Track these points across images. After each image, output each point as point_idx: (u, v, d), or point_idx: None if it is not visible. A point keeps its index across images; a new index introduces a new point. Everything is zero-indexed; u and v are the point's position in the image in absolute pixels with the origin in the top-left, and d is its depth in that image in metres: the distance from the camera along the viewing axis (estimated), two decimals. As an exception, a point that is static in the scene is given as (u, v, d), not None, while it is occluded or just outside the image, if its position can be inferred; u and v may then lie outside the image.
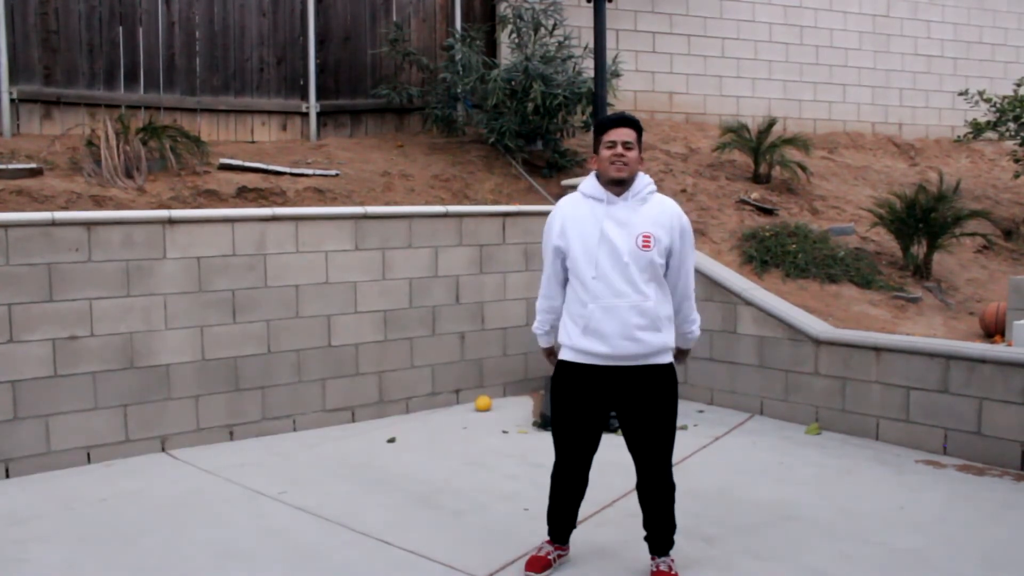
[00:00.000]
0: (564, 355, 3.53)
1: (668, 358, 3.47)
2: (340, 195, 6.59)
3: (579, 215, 3.46)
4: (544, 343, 3.74)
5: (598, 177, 3.49)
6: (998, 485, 4.73)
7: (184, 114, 7.32)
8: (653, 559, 3.64)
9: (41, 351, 5.02)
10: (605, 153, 3.41)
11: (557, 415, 3.59)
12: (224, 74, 7.57)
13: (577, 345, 3.44)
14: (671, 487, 3.58)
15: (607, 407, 3.52)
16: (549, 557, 3.69)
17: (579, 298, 3.41)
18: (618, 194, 3.42)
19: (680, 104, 9.89)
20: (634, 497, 4.57)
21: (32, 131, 6.75)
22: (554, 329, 3.66)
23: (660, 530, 3.61)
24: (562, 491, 3.68)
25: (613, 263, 3.36)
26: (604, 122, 3.51)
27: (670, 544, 3.64)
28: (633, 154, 3.39)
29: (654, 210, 3.43)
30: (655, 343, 3.38)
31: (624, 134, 3.40)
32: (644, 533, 3.68)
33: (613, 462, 5.18)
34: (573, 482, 3.66)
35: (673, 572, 3.59)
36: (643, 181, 3.48)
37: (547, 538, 3.77)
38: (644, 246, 3.35)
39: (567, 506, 3.72)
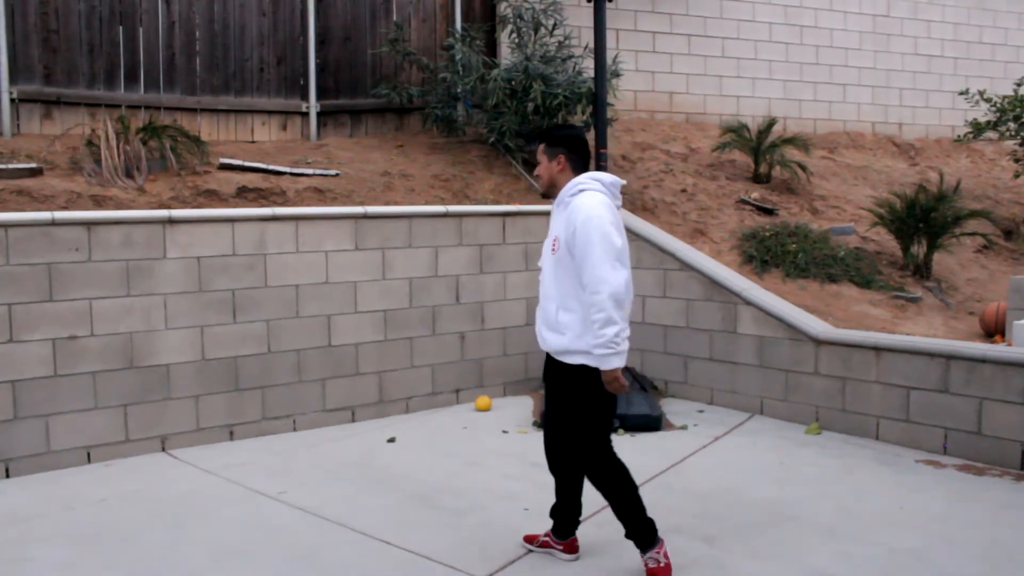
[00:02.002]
0: None
1: (575, 360, 3.44)
2: (340, 195, 6.59)
3: None
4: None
5: None
6: (998, 485, 4.73)
7: (184, 114, 7.31)
8: (641, 557, 3.61)
9: (41, 351, 5.02)
10: None
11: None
12: (224, 74, 7.57)
13: None
14: (601, 483, 3.57)
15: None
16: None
17: None
18: (553, 203, 3.64)
19: (680, 104, 9.89)
20: (634, 497, 4.57)
21: (32, 131, 6.75)
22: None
23: (625, 525, 3.59)
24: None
25: (542, 268, 3.64)
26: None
27: (643, 539, 3.56)
28: (542, 166, 3.61)
29: (567, 211, 3.48)
30: (553, 343, 3.51)
31: (538, 152, 3.64)
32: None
33: (613, 462, 5.18)
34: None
35: (660, 565, 3.53)
36: (568, 188, 3.53)
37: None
38: (553, 250, 3.53)
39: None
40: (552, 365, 3.61)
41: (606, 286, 3.28)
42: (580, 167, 3.56)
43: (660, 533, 3.71)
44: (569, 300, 3.44)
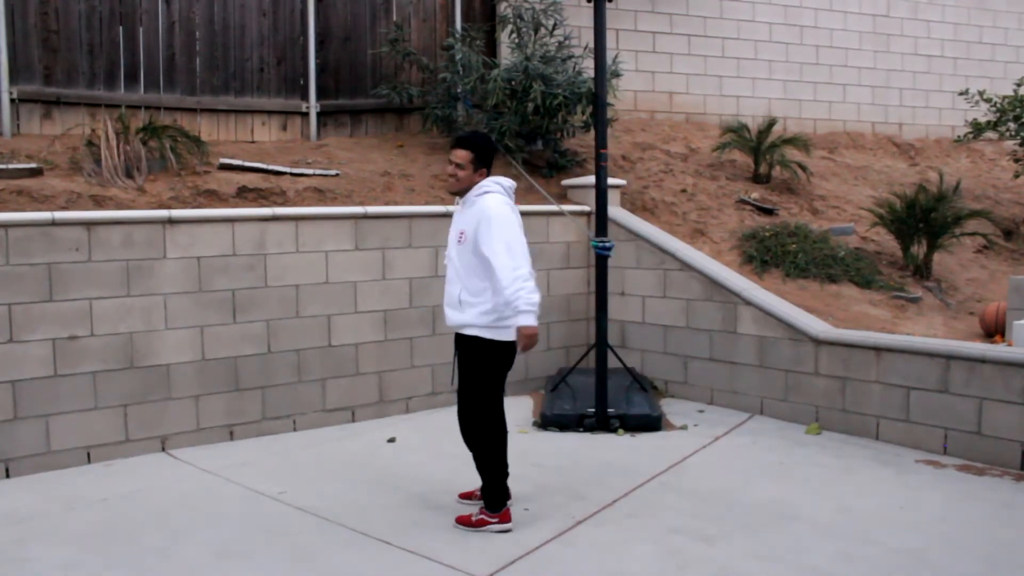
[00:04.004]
0: None
1: (472, 331, 4.05)
2: (340, 195, 6.59)
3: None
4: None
5: None
6: (998, 485, 4.73)
7: (184, 114, 7.31)
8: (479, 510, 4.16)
9: (41, 351, 5.02)
10: (445, 169, 4.18)
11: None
12: (224, 74, 7.57)
13: None
14: (477, 438, 4.14)
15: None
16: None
17: None
18: (459, 202, 4.19)
19: (680, 104, 9.89)
20: (634, 498, 4.59)
21: (32, 131, 6.75)
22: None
23: (483, 484, 4.15)
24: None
25: (448, 257, 4.19)
26: (451, 142, 4.20)
27: (492, 502, 4.12)
28: (464, 172, 4.08)
29: (475, 210, 4.05)
30: (456, 319, 4.11)
31: (458, 156, 4.08)
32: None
33: (611, 462, 5.19)
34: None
35: (478, 519, 4.10)
36: (477, 188, 4.10)
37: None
38: (460, 241, 4.08)
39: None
40: (458, 338, 4.14)
41: (509, 271, 3.92)
42: (486, 171, 4.14)
43: (660, 533, 3.89)
44: (472, 281, 4.02)
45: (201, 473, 5.02)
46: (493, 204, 4.00)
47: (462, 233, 4.06)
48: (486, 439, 4.13)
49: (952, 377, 5.19)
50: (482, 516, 4.12)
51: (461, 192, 4.13)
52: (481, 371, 4.09)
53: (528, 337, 3.92)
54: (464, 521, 4.14)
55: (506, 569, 3.72)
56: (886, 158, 10.41)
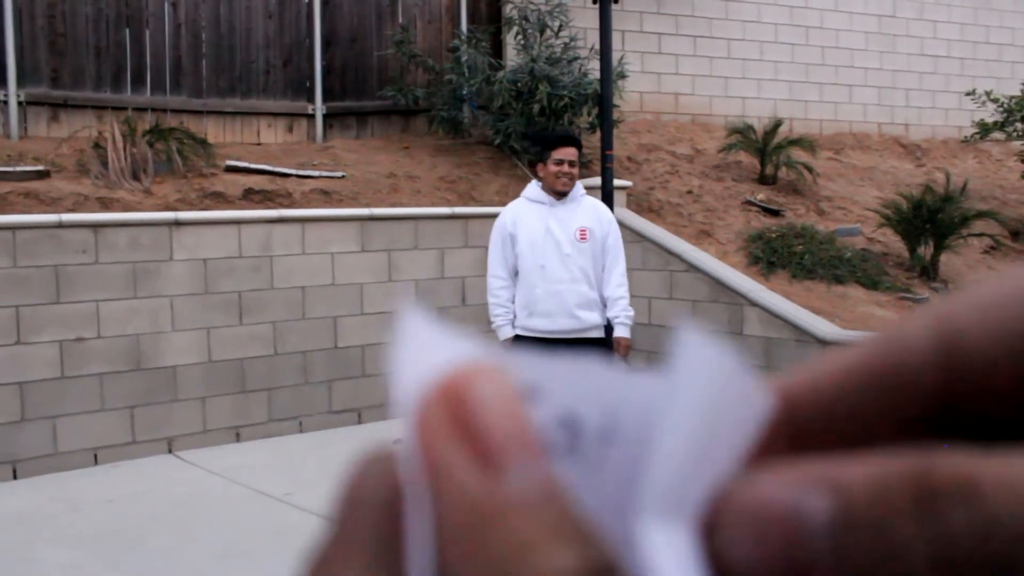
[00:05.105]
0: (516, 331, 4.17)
1: (600, 333, 4.09)
2: (346, 197, 6.60)
3: (526, 216, 4.13)
4: (506, 334, 4.12)
5: (540, 184, 4.16)
6: (1006, 487, 4.71)
7: (190, 116, 7.32)
8: None
9: (48, 352, 5.03)
10: (553, 168, 4.06)
11: None
12: (230, 76, 7.58)
13: (526, 324, 4.08)
14: None
15: None
16: None
17: (528, 283, 4.04)
18: (558, 198, 4.11)
19: (686, 105, 9.87)
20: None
21: (39, 133, 6.77)
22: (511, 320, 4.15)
23: None
24: None
25: (556, 254, 4.02)
26: (554, 139, 4.20)
27: None
28: (576, 170, 4.12)
29: (587, 209, 4.14)
30: (592, 320, 4.05)
31: (571, 153, 4.08)
32: None
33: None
34: None
35: None
36: (578, 186, 4.18)
37: None
38: (581, 238, 4.05)
39: None
40: (562, 348, 3.81)
41: (625, 280, 4.13)
42: None
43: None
44: (595, 282, 4.05)
45: (207, 475, 5.03)
46: (605, 207, 4.27)
47: (583, 230, 4.04)
48: None
49: (960, 378, 5.16)
50: None
51: (570, 190, 4.12)
52: None
53: (627, 348, 4.07)
54: None
55: (513, 571, 3.72)
56: (892, 159, 10.38)
